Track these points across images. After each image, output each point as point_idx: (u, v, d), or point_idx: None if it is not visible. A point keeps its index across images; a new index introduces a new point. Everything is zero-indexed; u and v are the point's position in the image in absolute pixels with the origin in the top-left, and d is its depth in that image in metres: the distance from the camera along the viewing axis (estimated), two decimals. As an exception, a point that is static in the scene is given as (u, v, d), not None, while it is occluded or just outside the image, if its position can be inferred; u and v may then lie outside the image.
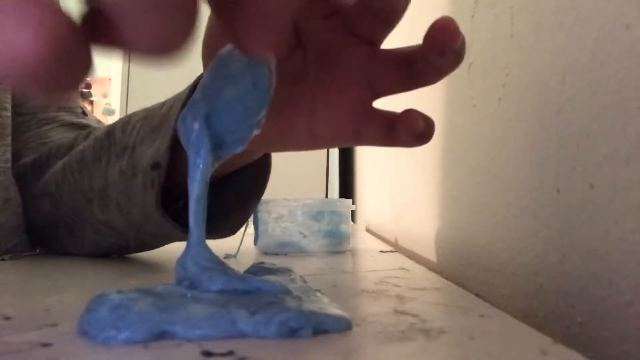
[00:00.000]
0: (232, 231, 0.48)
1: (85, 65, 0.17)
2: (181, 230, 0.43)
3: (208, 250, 0.25)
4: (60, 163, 0.53)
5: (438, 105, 0.57)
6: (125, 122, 0.49)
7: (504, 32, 0.39)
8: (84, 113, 0.63)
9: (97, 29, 0.16)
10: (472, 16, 0.45)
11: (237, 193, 0.47)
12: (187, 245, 0.25)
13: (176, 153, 0.40)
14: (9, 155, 0.54)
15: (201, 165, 0.24)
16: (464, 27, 0.47)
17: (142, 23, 0.16)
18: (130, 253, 0.53)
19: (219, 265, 0.25)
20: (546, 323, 0.32)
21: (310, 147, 0.34)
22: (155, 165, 0.42)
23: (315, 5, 0.30)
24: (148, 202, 0.42)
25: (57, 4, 0.15)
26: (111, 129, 0.50)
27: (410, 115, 0.31)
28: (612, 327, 0.26)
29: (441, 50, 0.28)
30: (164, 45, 0.17)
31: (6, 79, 0.15)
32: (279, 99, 0.29)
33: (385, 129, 0.32)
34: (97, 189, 0.47)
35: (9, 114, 0.55)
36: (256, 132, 0.25)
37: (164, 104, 0.46)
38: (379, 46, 0.32)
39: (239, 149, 0.25)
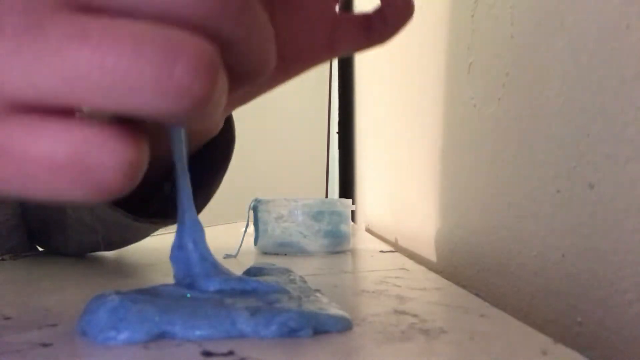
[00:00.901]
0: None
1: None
2: (132, 218, 0.42)
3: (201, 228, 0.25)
4: None
5: (438, 105, 0.57)
6: None
7: (504, 32, 0.39)
8: None
9: None
10: (472, 16, 0.45)
11: (201, 174, 0.46)
12: (180, 218, 0.24)
13: None
14: None
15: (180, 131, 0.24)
16: (464, 27, 0.47)
17: None
18: (108, 250, 0.53)
19: (214, 260, 0.25)
20: (546, 323, 0.32)
21: (283, 79, 0.32)
22: None
23: None
24: None
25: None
26: None
27: None
28: (612, 327, 0.26)
29: None
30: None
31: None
32: None
33: (362, 29, 0.30)
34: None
35: None
36: None
37: None
38: None
39: None
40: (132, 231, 0.48)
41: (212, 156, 0.46)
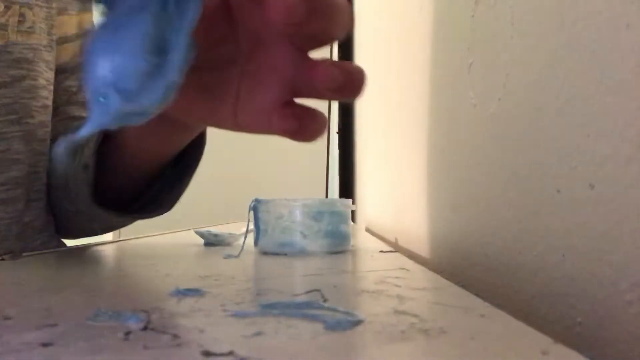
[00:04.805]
0: (169, 207, 0.57)
1: None
2: (117, 216, 0.54)
3: None
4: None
5: (438, 105, 0.57)
6: None
7: (504, 32, 0.39)
8: None
9: None
10: (472, 16, 0.45)
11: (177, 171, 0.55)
12: None
13: (105, 155, 0.49)
14: (32, 160, 0.57)
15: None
16: (464, 27, 0.47)
17: None
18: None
19: None
20: (546, 323, 0.32)
21: (236, 130, 0.36)
22: (85, 166, 0.50)
23: None
24: (86, 197, 0.52)
25: None
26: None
27: (321, 69, 0.29)
28: (612, 327, 0.26)
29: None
30: None
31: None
32: (208, 81, 0.33)
33: (291, 120, 0.32)
34: (62, 184, 0.57)
35: (35, 121, 0.57)
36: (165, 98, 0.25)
37: None
38: (308, 53, 0.32)
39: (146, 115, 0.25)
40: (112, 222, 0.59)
41: (184, 158, 0.55)
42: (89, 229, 0.61)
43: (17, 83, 0.56)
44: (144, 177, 0.52)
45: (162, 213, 0.57)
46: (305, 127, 0.32)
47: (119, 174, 0.51)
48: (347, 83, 0.29)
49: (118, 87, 0.24)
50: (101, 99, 0.25)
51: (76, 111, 0.64)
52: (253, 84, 0.33)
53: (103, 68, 0.24)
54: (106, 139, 0.49)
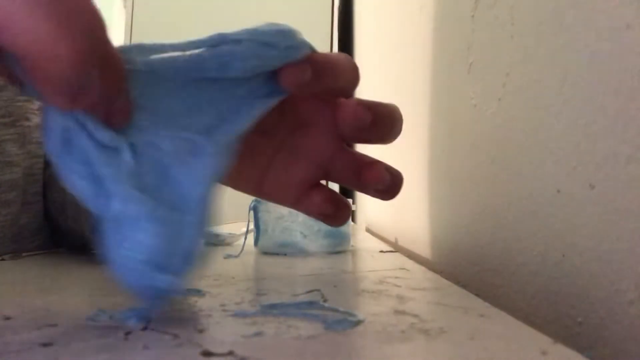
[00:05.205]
0: None
1: None
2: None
3: None
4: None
5: (438, 105, 0.57)
6: None
7: (504, 32, 0.39)
8: None
9: None
10: (472, 16, 0.45)
11: None
12: None
13: None
14: (28, 163, 0.57)
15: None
16: (464, 27, 0.47)
17: None
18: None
19: None
20: (546, 323, 0.32)
21: (256, 196, 0.35)
22: None
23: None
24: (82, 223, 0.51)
25: None
26: None
27: (376, 171, 0.32)
28: (612, 327, 0.26)
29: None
30: None
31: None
32: (243, 144, 0.30)
33: (330, 205, 0.33)
34: (60, 201, 0.56)
35: (30, 123, 0.57)
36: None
37: None
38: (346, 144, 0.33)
39: None
40: None
41: None
42: (87, 237, 0.61)
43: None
44: None
45: None
46: (340, 214, 0.33)
47: None
48: (392, 186, 0.32)
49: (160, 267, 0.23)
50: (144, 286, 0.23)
51: None
52: (289, 159, 0.33)
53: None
54: None
